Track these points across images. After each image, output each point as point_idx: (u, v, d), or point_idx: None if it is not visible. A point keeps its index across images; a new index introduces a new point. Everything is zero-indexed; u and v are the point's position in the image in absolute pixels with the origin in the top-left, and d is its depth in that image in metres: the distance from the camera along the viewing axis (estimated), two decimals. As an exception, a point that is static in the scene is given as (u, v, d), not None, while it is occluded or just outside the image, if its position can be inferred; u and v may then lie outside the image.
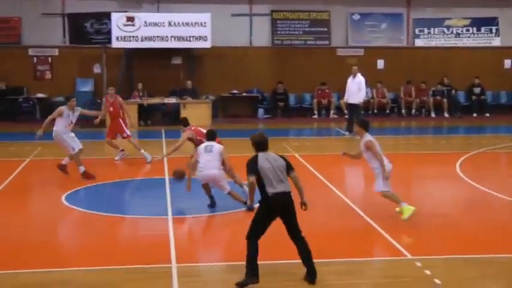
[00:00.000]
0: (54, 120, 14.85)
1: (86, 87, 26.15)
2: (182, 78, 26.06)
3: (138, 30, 25.17)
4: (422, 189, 14.05)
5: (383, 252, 9.82)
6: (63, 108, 14.83)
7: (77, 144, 14.83)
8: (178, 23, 25.37)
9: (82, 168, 14.63)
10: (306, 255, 8.38)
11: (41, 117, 25.09)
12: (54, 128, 14.75)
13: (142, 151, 17.11)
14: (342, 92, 23.65)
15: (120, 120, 17.54)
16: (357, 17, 28.13)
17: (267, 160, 8.40)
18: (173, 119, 24.59)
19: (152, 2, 26.74)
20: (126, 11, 25.53)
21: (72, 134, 14.92)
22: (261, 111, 27.29)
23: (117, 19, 25.01)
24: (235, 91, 26.97)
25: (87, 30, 26.09)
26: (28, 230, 10.99)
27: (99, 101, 25.33)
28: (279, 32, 27.72)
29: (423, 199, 12.79)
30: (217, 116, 26.13)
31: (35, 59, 26.66)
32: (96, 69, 26.41)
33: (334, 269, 8.97)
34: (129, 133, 17.52)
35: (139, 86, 25.40)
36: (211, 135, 12.45)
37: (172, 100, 24.93)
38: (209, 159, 11.94)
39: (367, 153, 11.12)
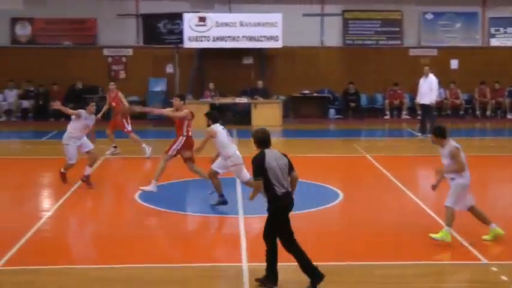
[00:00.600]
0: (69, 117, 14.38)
1: (159, 86, 26.50)
2: (253, 78, 26.16)
3: (209, 30, 25.38)
4: (497, 193, 13.71)
5: (457, 256, 9.60)
6: (83, 111, 14.07)
7: (71, 157, 13.93)
8: (250, 23, 25.46)
9: (63, 170, 13.95)
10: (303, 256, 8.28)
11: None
12: (67, 130, 14.09)
13: (143, 145, 17.58)
14: (414, 92, 23.32)
15: (121, 116, 18.06)
16: (430, 16, 27.65)
17: (274, 158, 8.23)
18: (244, 118, 24.75)
19: (224, 3, 26.90)
20: (198, 12, 25.77)
21: (82, 142, 14.07)
22: (332, 111, 27.12)
23: (189, 19, 25.28)
24: (306, 91, 26.89)
25: (160, 30, 26.44)
26: (101, 227, 11.22)
27: (171, 100, 25.63)
28: (350, 32, 27.50)
29: (498, 202, 12.48)
30: (288, 116, 26.09)
31: (109, 59, 27.22)
32: (169, 69, 26.74)
33: (405, 271, 8.85)
34: (129, 128, 17.91)
35: (211, 85, 25.61)
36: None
37: (244, 100, 25.05)
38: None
39: (449, 162, 10.03)
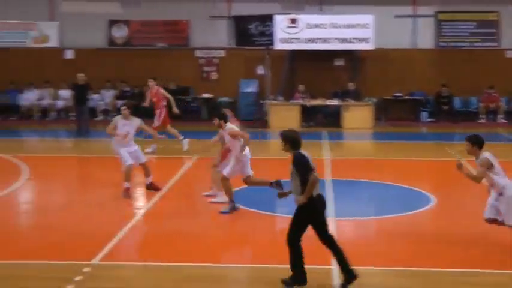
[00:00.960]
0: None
1: (250, 88, 26.72)
2: (344, 80, 26.00)
3: (300, 32, 25.39)
4: None
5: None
6: (116, 119, 13.45)
7: (125, 159, 13.22)
8: (341, 25, 25.32)
9: (126, 184, 13.15)
10: (342, 254, 8.16)
11: (207, 117, 26.08)
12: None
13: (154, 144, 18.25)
14: (511, 96, 22.67)
15: (157, 111, 18.68)
16: (529, 17, 26.81)
17: (311, 160, 8.14)
18: (335, 121, 24.64)
19: (315, 4, 26.88)
20: (289, 13, 25.83)
21: (132, 150, 13.34)
22: (424, 114, 26.64)
23: (280, 21, 25.36)
24: (398, 94, 26.53)
25: (252, 32, 26.67)
26: (193, 226, 11.37)
27: (261, 101, 25.86)
28: (444, 34, 26.97)
29: None
30: (380, 118, 25.79)
31: (201, 61, 27.63)
32: (260, 70, 26.91)
33: (500, 279, 8.61)
34: (156, 125, 18.44)
35: (302, 87, 25.60)
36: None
37: (334, 102, 24.94)
38: None
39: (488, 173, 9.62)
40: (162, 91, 19.07)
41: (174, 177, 15.05)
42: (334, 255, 8.23)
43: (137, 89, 27.13)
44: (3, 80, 27.16)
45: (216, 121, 12.04)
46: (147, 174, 13.61)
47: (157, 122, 18.66)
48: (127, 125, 13.27)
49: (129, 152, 13.27)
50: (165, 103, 18.88)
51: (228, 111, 13.13)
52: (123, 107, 13.46)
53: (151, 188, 13.61)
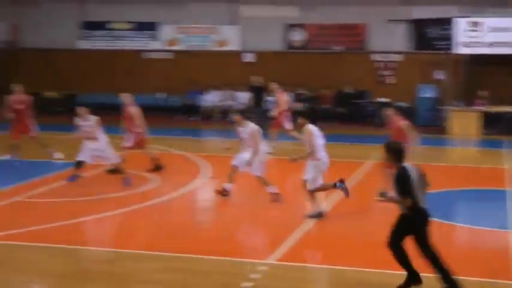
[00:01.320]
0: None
1: (428, 93, 26.17)
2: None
3: (482, 35, 24.49)
4: None
5: None
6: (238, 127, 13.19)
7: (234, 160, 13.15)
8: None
9: (225, 185, 13.26)
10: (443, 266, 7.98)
11: (382, 122, 25.86)
12: None
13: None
14: None
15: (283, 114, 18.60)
16: None
17: (415, 172, 7.95)
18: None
19: (496, 6, 25.74)
20: (468, 16, 24.98)
21: (246, 156, 12.93)
22: None
23: (461, 25, 24.59)
24: None
25: (430, 36, 26.13)
26: (365, 229, 11.34)
27: (440, 107, 25.26)
28: None
29: None
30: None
31: (378, 64, 27.45)
32: (438, 75, 26.28)
33: None
34: (287, 127, 18.25)
35: (483, 93, 24.60)
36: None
37: (518, 109, 23.80)
38: None
39: None
40: (284, 98, 18.93)
41: (350, 181, 15.04)
42: (435, 270, 8.05)
43: (312, 93, 27.41)
44: (187, 81, 28.47)
45: (301, 120, 11.84)
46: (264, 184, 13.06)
47: (288, 126, 18.51)
48: (242, 132, 12.98)
49: (243, 158, 12.95)
50: (286, 107, 18.82)
51: (390, 111, 13.14)
52: (236, 113, 13.25)
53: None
